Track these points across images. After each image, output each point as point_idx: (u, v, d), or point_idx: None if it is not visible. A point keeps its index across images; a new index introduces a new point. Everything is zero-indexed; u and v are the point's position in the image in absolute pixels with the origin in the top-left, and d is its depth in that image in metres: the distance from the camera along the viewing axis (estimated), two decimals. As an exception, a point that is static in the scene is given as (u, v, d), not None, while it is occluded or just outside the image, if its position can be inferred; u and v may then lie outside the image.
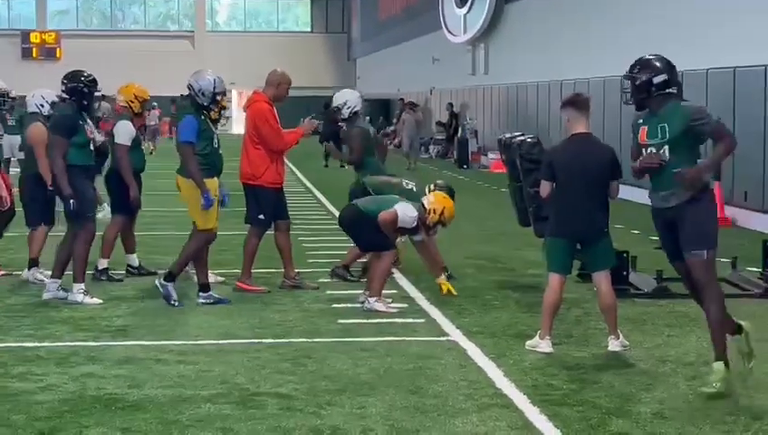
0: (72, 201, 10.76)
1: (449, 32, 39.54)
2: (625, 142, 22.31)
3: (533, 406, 7.32)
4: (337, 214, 19.64)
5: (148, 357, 8.68)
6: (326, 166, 33.52)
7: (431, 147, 41.09)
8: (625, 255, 11.70)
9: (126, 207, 12.25)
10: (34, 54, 65.74)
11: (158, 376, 8.08)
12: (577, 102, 9.08)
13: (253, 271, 11.85)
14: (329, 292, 11.62)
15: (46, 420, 6.94)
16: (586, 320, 10.22)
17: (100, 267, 12.30)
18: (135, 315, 10.41)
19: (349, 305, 10.88)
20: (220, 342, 9.30)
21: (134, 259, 12.76)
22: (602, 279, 9.02)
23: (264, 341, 9.34)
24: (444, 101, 41.43)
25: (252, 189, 11.70)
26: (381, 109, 49.53)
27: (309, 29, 71.35)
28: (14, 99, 13.42)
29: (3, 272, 12.65)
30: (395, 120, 48.53)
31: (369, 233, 10.84)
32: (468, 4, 36.91)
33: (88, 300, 10.92)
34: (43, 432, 6.71)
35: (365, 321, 10.20)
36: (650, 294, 11.39)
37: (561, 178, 8.93)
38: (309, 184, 26.81)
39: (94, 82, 11.18)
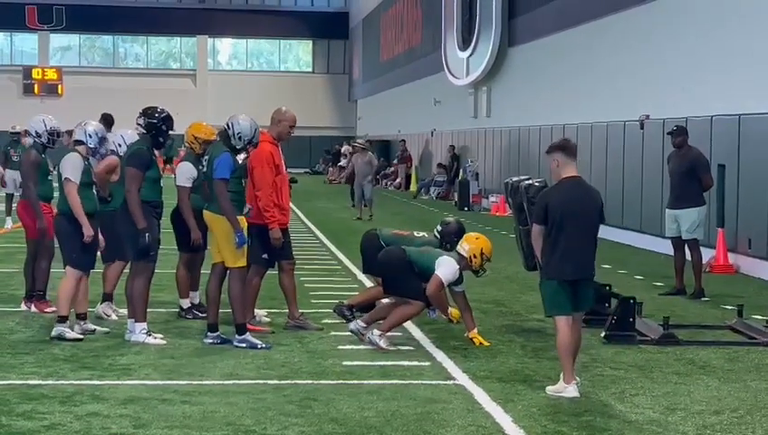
0: (146, 235, 10.68)
1: (451, 74, 39.64)
2: (627, 185, 22.31)
3: (544, 453, 7.25)
4: (339, 254, 19.70)
5: (153, 397, 8.60)
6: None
7: (432, 188, 41.16)
8: (631, 301, 11.64)
9: (188, 245, 12.14)
10: (36, 90, 66.02)
11: (164, 416, 8.00)
12: (566, 148, 9.23)
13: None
14: (333, 333, 11.54)
15: (51, 460, 6.87)
16: (593, 366, 10.14)
17: (184, 307, 12.34)
18: (139, 354, 10.32)
19: (353, 347, 10.81)
20: (225, 382, 9.23)
21: (186, 302, 12.56)
22: (577, 320, 9.17)
23: (269, 382, 9.26)
24: (445, 143, 41.51)
25: (255, 228, 11.61)
26: (382, 150, 49.60)
27: (310, 69, 71.63)
28: (59, 135, 12.96)
29: (52, 308, 12.05)
30: (394, 161, 48.72)
31: (406, 279, 10.94)
32: (471, 47, 37.04)
33: (151, 340, 10.81)
34: (48, 472, 6.65)
35: (370, 363, 10.12)
36: (657, 341, 11.32)
37: (556, 221, 8.98)
38: (310, 224, 26.76)
39: (168, 118, 11.15)
